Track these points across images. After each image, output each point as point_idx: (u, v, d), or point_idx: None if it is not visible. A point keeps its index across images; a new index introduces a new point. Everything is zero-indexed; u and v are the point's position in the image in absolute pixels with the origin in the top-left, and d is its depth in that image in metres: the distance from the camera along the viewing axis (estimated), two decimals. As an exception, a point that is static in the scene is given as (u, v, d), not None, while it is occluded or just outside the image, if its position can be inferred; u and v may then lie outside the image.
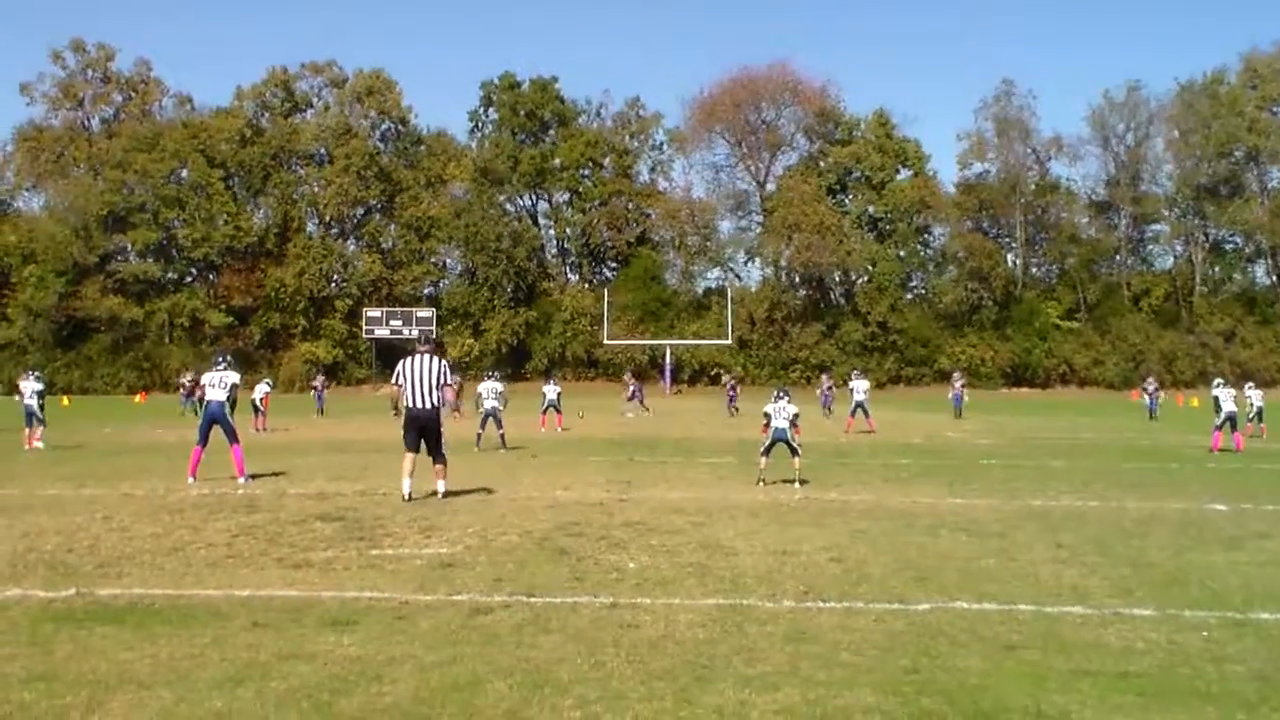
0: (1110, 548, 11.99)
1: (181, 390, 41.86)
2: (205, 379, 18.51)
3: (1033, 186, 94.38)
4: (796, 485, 17.72)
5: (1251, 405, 30.86)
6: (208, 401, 18.21)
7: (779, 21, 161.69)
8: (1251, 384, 33.49)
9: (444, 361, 16.34)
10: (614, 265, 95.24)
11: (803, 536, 12.50)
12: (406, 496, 15.40)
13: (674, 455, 24.62)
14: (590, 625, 8.27)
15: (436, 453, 15.97)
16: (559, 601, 9.02)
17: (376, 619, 8.36)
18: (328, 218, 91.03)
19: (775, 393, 19.36)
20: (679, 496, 16.42)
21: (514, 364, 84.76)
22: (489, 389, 26.05)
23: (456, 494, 16.13)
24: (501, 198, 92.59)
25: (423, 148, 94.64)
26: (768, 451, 18.64)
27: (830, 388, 42.20)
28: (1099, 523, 13.99)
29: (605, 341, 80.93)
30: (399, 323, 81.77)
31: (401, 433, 16.25)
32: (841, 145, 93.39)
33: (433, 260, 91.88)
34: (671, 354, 79.86)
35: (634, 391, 33.51)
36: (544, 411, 31.79)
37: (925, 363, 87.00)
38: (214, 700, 6.35)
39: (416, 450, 15.80)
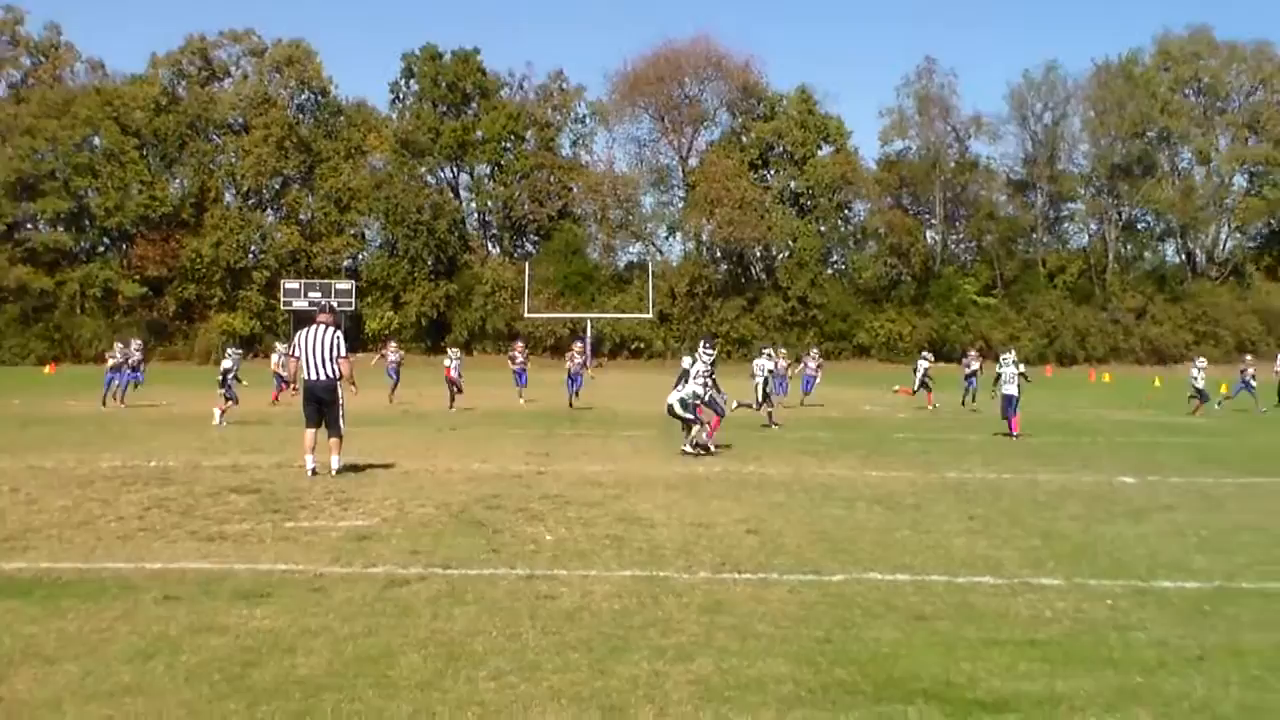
0: (1022, 519, 12.16)
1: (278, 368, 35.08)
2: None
3: (952, 164, 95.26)
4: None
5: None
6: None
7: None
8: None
9: (338, 333, 15.82)
10: (536, 238, 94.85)
11: (720, 509, 12.57)
12: (310, 472, 15.06)
13: (593, 428, 24.64)
14: (506, 597, 8.26)
15: (333, 426, 15.44)
16: (475, 574, 9.00)
17: (291, 591, 8.30)
18: (245, 188, 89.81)
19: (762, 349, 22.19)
20: (597, 469, 16.43)
21: (434, 336, 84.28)
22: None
23: (375, 467, 16.08)
24: (422, 170, 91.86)
25: (342, 118, 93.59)
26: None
27: (818, 367, 37.10)
28: (1012, 495, 14.19)
29: (526, 315, 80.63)
30: (318, 294, 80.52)
31: (302, 406, 15.88)
32: (764, 121, 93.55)
33: (352, 232, 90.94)
34: (592, 327, 79.80)
35: (583, 362, 33.28)
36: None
37: (845, 337, 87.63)
38: (122, 674, 6.28)
39: (317, 424, 15.42)
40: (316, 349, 15.42)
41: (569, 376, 31.90)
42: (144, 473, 15.37)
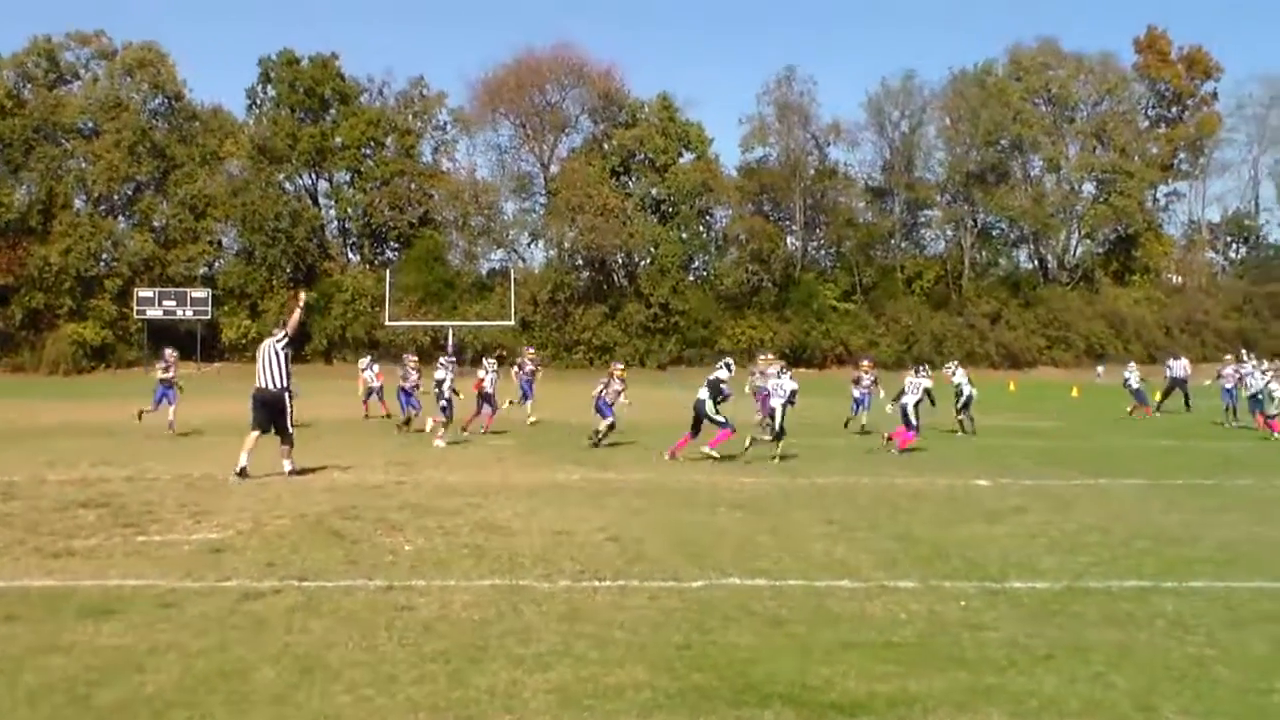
0: (879, 523, 12.34)
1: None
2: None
3: (812, 171, 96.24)
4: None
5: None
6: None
7: (564, 1, 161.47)
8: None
9: (281, 342, 17.10)
10: (396, 246, 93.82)
11: (581, 516, 12.56)
12: (239, 470, 15.82)
13: (453, 437, 24.47)
14: (364, 608, 8.18)
15: (283, 433, 16.67)
16: (332, 585, 8.91)
17: (140, 607, 8.12)
18: (96, 194, 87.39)
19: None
20: (458, 478, 16.34)
21: (293, 345, 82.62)
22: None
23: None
24: (280, 176, 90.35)
25: (198, 124, 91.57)
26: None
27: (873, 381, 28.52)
28: (870, 499, 14.39)
29: (386, 323, 79.74)
30: (172, 303, 79.23)
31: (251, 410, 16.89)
32: (625, 128, 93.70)
33: (209, 239, 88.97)
34: (454, 335, 79.25)
35: (533, 369, 31.29)
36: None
37: (706, 344, 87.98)
38: (-40, 697, 6.07)
39: (264, 430, 16.48)
40: (270, 360, 16.86)
41: (522, 385, 29.99)
42: (-15, 488, 14.88)
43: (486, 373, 25.98)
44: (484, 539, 11.07)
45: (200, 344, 76.44)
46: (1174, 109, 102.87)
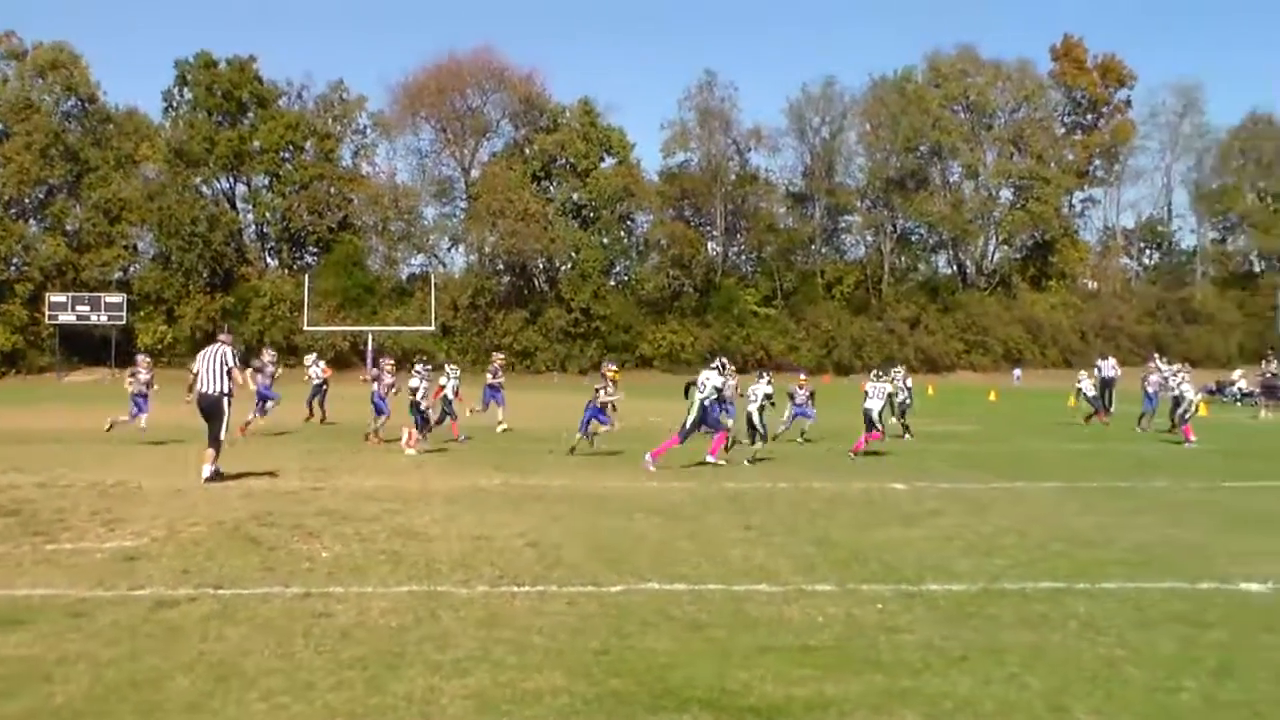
0: (797, 527, 12.40)
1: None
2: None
3: (733, 176, 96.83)
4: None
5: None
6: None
7: (484, 6, 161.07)
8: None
9: (231, 349, 17.27)
10: (315, 250, 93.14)
11: (500, 522, 12.51)
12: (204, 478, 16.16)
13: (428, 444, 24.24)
14: (280, 616, 8.09)
15: (213, 438, 16.57)
16: (248, 593, 8.80)
17: (49, 617, 7.96)
18: (7, 197, 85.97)
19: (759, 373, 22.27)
20: (376, 484, 16.21)
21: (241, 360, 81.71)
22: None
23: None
24: (197, 180, 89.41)
25: (112, 126, 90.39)
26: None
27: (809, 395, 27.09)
28: (788, 504, 14.45)
29: (305, 328, 79.14)
30: (86, 308, 78.00)
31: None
32: (547, 133, 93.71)
33: (124, 244, 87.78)
34: (374, 340, 78.83)
35: (496, 370, 30.28)
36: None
37: (627, 349, 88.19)
38: None
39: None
40: (211, 364, 16.90)
41: (488, 389, 28.61)
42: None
43: (449, 379, 24.90)
44: (402, 545, 11.00)
45: (115, 349, 75.26)
46: (1090, 116, 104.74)
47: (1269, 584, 9.67)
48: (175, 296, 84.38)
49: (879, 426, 22.38)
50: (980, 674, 6.85)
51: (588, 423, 21.78)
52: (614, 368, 23.35)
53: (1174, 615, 8.49)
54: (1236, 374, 52.77)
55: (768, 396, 21.75)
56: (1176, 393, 27.55)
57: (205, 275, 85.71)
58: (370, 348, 75.80)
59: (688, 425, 19.43)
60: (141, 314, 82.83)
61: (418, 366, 24.44)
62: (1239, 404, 46.12)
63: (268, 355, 30.49)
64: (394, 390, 24.73)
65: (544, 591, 8.94)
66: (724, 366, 20.73)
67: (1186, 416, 26.62)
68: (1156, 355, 37.68)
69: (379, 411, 24.43)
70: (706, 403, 19.43)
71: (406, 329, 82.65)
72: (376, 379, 24.93)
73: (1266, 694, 6.60)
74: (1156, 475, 19.10)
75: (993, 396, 42.19)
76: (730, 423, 21.29)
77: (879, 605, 8.60)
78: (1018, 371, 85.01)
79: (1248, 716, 6.26)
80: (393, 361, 26.54)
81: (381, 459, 20.37)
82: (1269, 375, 40.54)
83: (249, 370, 24.48)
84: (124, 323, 77.95)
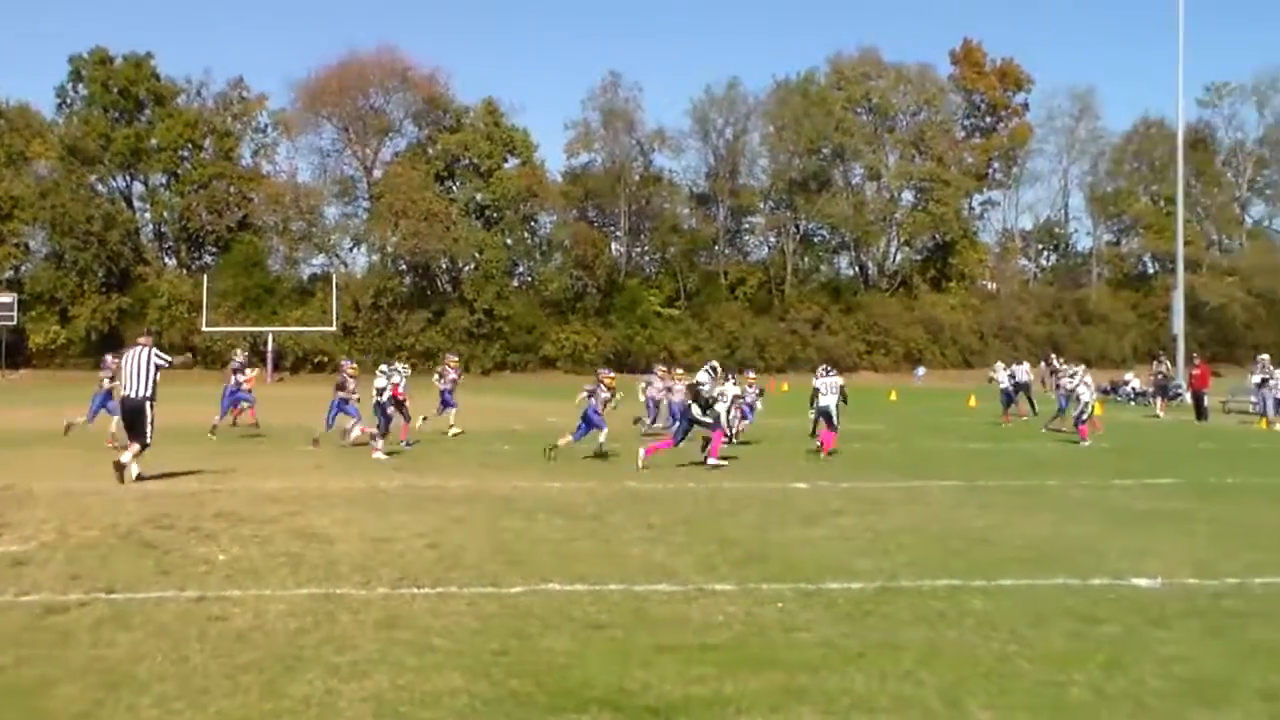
0: (699, 527, 12.45)
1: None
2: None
3: (637, 177, 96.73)
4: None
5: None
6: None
7: (387, 4, 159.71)
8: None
9: (154, 350, 17.47)
10: (214, 250, 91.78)
11: (400, 524, 12.45)
12: (135, 478, 16.32)
13: (271, 444, 24.03)
14: (175, 620, 7.99)
15: (139, 433, 16.82)
16: (142, 597, 8.68)
17: (-67, 624, 7.79)
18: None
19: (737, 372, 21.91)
20: (275, 486, 16.06)
21: (105, 351, 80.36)
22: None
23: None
24: (93, 178, 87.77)
25: (2, 122, 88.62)
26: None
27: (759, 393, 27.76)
28: (691, 503, 14.52)
29: (204, 329, 78.05)
30: (-24, 308, 76.43)
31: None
32: (450, 133, 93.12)
33: (14, 242, 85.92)
34: (274, 341, 77.96)
35: (455, 377, 29.73)
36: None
37: (530, 349, 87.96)
38: None
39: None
40: (135, 367, 17.04)
41: (442, 393, 28.00)
42: None
43: (401, 378, 24.15)
44: (301, 547, 10.90)
45: (5, 350, 73.70)
46: (989, 119, 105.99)
47: (1158, 580, 9.88)
48: (69, 297, 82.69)
49: (836, 423, 22.77)
50: (877, 671, 6.92)
51: (586, 430, 21.67)
52: (610, 374, 23.35)
53: (1066, 611, 8.64)
54: (1129, 374, 53.76)
55: (842, 388, 23.04)
56: (1075, 392, 28.04)
57: (101, 275, 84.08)
58: (270, 348, 74.98)
59: (688, 427, 20.19)
60: (33, 314, 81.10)
61: (383, 367, 24.42)
62: (1132, 404, 46.99)
63: (240, 356, 30.59)
64: (355, 396, 24.04)
65: (444, 593, 8.91)
66: (715, 371, 21.08)
67: (1083, 417, 27.04)
68: (1053, 355, 38.34)
69: (350, 415, 23.86)
70: (693, 409, 20.29)
71: (307, 329, 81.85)
72: (342, 385, 24.27)
73: (1153, 687, 6.74)
74: (1051, 474, 19.43)
75: (893, 396, 42.64)
76: (747, 424, 22.03)
77: (779, 604, 8.67)
78: (920, 370, 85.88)
79: (1135, 708, 6.39)
80: (355, 365, 25.82)
81: (280, 461, 20.17)
82: (1160, 375, 41.33)
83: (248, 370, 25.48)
84: (14, 323, 76.29)
